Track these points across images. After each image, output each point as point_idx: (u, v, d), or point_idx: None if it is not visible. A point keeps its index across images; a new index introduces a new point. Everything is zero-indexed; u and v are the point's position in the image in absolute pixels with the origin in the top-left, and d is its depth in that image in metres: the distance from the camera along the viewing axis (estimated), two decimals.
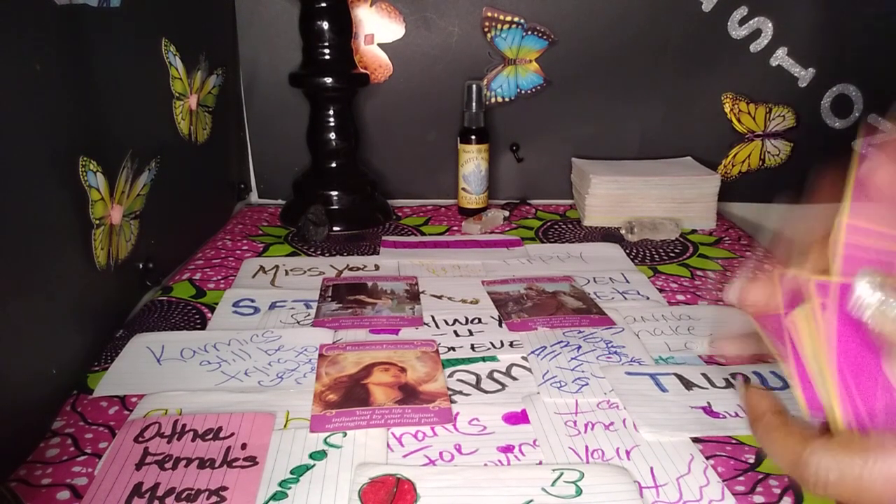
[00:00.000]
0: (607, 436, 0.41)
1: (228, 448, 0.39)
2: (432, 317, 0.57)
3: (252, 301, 0.59)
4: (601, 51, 0.85)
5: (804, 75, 0.85)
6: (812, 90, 0.86)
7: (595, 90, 0.87)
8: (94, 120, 0.50)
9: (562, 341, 0.52)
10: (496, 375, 0.48)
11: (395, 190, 0.91)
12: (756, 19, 0.83)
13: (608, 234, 0.78)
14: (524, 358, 0.50)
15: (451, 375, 0.48)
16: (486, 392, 0.46)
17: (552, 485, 0.37)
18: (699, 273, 0.67)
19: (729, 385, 0.46)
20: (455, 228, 0.81)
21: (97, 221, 0.50)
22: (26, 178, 0.42)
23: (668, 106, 0.88)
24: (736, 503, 0.36)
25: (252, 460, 0.38)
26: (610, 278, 0.65)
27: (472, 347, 0.52)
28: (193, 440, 0.40)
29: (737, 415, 0.43)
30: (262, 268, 0.67)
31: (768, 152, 0.90)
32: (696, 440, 0.41)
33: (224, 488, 0.36)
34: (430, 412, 0.43)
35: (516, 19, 0.84)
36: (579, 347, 0.51)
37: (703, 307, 0.59)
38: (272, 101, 0.87)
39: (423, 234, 0.79)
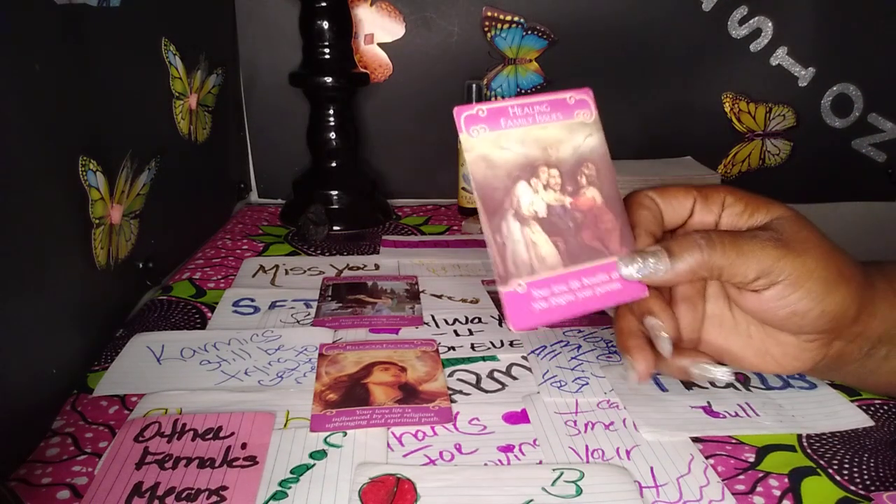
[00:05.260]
0: (607, 435, 0.41)
1: (228, 447, 0.39)
2: (432, 316, 0.57)
3: (252, 300, 0.59)
4: (601, 51, 0.85)
5: (804, 75, 0.85)
6: (812, 90, 0.86)
7: (595, 90, 0.87)
8: (94, 120, 0.50)
9: (562, 341, 0.52)
10: (496, 375, 0.48)
11: (395, 190, 0.90)
12: (756, 19, 0.83)
13: None
14: (524, 357, 0.50)
15: (451, 375, 0.48)
16: (486, 391, 0.46)
17: (552, 484, 0.37)
18: None
19: (729, 384, 0.46)
20: (455, 228, 0.81)
21: (97, 221, 0.50)
22: (26, 178, 0.42)
23: (668, 106, 0.88)
24: (736, 503, 0.36)
25: (252, 460, 0.38)
26: None
27: (472, 347, 0.52)
28: (193, 440, 0.40)
29: (736, 414, 0.43)
30: (262, 267, 0.67)
31: (768, 152, 0.90)
32: (696, 440, 0.41)
33: (224, 488, 0.36)
34: (430, 412, 0.43)
35: (516, 19, 0.84)
36: (579, 347, 0.51)
37: None
38: (272, 100, 0.87)
39: (423, 233, 0.79)
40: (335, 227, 0.79)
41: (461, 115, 0.35)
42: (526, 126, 0.36)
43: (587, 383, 0.47)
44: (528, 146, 0.36)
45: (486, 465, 0.39)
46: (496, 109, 0.36)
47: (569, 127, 0.38)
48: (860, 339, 0.40)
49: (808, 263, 0.36)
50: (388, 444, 0.40)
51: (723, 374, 0.38)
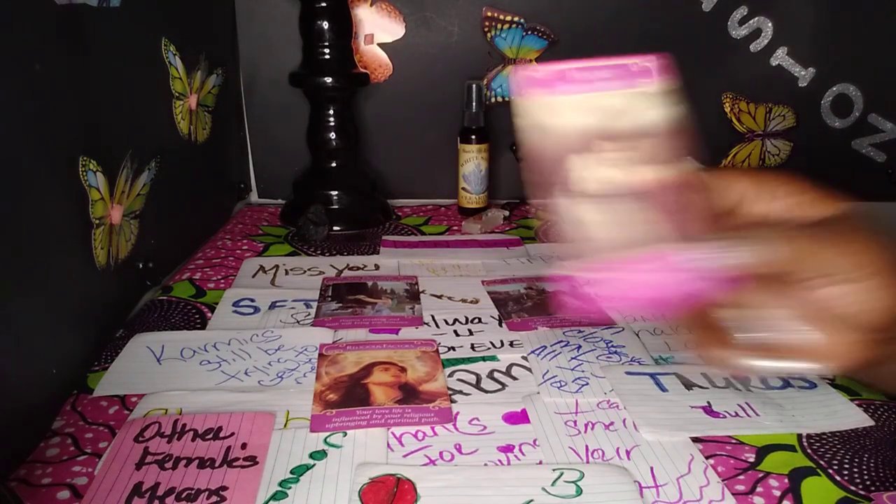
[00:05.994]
0: (607, 436, 0.41)
1: (228, 448, 0.39)
2: (432, 316, 0.57)
3: (252, 301, 0.59)
4: (601, 50, 0.85)
5: (804, 75, 0.85)
6: (812, 90, 0.86)
7: None
8: (94, 120, 0.50)
9: (562, 341, 0.52)
10: (496, 375, 0.48)
11: (395, 190, 0.91)
12: (756, 19, 0.83)
13: None
14: (524, 357, 0.50)
15: (451, 375, 0.48)
16: (486, 392, 0.46)
17: (552, 484, 0.37)
18: None
19: (729, 384, 0.46)
20: (455, 228, 0.81)
21: (97, 221, 0.50)
22: (26, 178, 0.42)
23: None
24: (736, 503, 0.36)
25: (252, 460, 0.38)
26: None
27: (472, 347, 0.52)
28: (193, 440, 0.40)
29: (736, 414, 0.43)
30: (262, 267, 0.67)
31: (768, 152, 0.90)
32: (696, 440, 0.41)
33: (224, 488, 0.36)
34: (430, 412, 0.43)
35: (516, 19, 0.84)
36: (579, 347, 0.51)
37: None
38: (272, 100, 0.87)
39: (423, 233, 0.79)
40: (335, 227, 0.79)
41: (516, 75, 0.34)
42: (585, 92, 0.33)
43: (587, 383, 0.47)
44: (585, 114, 0.33)
45: (486, 465, 0.39)
46: (554, 72, 0.33)
47: (631, 96, 0.34)
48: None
49: (861, 261, 0.34)
50: (388, 445, 0.40)
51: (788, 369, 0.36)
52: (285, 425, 0.42)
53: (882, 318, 0.35)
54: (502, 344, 0.52)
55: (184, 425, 0.41)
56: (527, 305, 0.59)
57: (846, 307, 0.35)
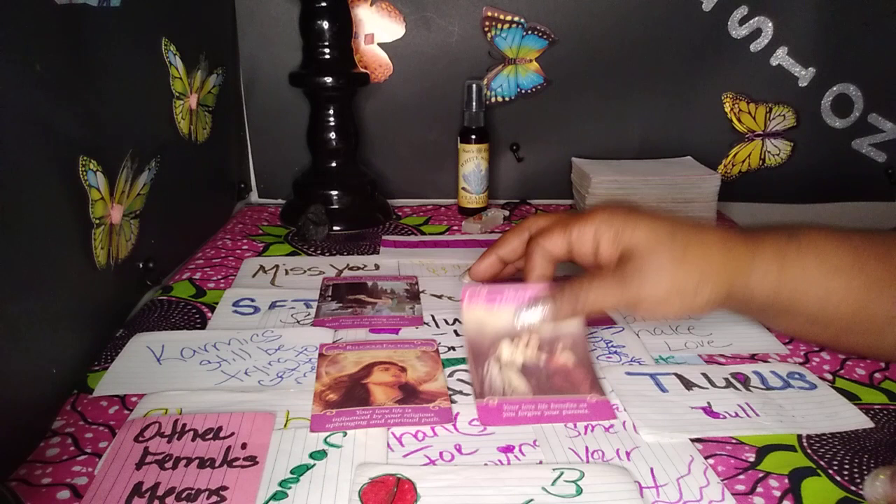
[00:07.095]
0: (607, 437, 0.41)
1: (228, 448, 0.39)
2: (432, 316, 0.57)
3: (252, 300, 0.59)
4: (601, 50, 0.85)
5: (804, 75, 0.85)
6: (812, 90, 0.86)
7: (595, 90, 0.87)
8: (94, 120, 0.50)
9: None
10: None
11: (395, 190, 0.91)
12: (756, 19, 0.83)
13: None
14: None
15: (451, 375, 0.48)
16: None
17: (552, 484, 0.37)
18: None
19: (729, 385, 0.46)
20: (455, 228, 0.81)
21: (97, 221, 0.50)
22: (26, 178, 0.42)
23: (668, 106, 0.88)
24: (736, 503, 0.36)
25: (252, 460, 0.38)
26: None
27: None
28: (193, 440, 0.40)
29: (736, 415, 0.43)
30: (262, 267, 0.67)
31: (768, 152, 0.90)
32: (696, 440, 0.41)
33: (224, 488, 0.36)
34: (430, 412, 0.43)
35: (516, 19, 0.84)
36: None
37: None
38: (272, 100, 0.87)
39: (423, 233, 0.79)
40: (335, 227, 0.79)
41: (465, 291, 0.48)
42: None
43: None
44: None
45: (486, 465, 0.39)
46: (495, 290, 0.48)
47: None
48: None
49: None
50: (388, 445, 0.40)
51: None
52: (285, 425, 0.42)
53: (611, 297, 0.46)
54: None
55: (184, 425, 0.41)
56: None
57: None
